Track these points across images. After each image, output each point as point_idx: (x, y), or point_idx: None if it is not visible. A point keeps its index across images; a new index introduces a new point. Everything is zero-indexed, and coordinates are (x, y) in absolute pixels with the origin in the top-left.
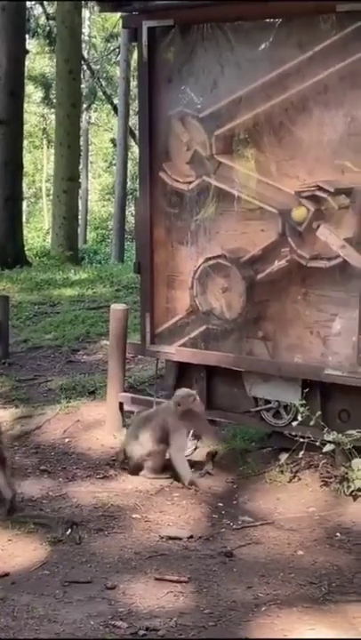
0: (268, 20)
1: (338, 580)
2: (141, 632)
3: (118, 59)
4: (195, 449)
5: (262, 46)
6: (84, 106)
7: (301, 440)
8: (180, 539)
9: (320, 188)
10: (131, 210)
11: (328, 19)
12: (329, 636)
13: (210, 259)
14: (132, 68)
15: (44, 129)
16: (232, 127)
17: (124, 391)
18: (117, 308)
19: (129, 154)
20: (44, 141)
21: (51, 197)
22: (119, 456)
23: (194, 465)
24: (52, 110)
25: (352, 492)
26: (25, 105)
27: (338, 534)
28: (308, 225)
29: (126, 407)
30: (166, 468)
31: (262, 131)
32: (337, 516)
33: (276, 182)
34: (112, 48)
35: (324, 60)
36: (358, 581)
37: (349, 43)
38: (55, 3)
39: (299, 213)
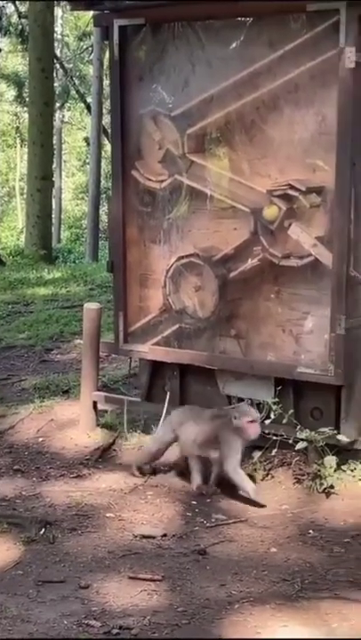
0: (239, 19)
1: (311, 577)
2: (115, 631)
3: (91, 57)
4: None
5: (233, 45)
6: (57, 104)
7: (274, 438)
8: (153, 537)
9: (292, 187)
10: (105, 209)
11: (298, 18)
12: (302, 635)
13: (182, 257)
14: (104, 67)
15: (17, 128)
16: (204, 126)
17: (98, 390)
18: (91, 307)
19: (102, 152)
20: (18, 140)
21: (24, 196)
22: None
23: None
24: (25, 109)
25: (325, 489)
26: None
27: (311, 531)
28: (279, 223)
29: (100, 406)
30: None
31: (234, 129)
32: (310, 513)
33: (248, 181)
34: (85, 47)
35: (295, 58)
36: (331, 578)
37: (320, 41)
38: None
39: (270, 212)
